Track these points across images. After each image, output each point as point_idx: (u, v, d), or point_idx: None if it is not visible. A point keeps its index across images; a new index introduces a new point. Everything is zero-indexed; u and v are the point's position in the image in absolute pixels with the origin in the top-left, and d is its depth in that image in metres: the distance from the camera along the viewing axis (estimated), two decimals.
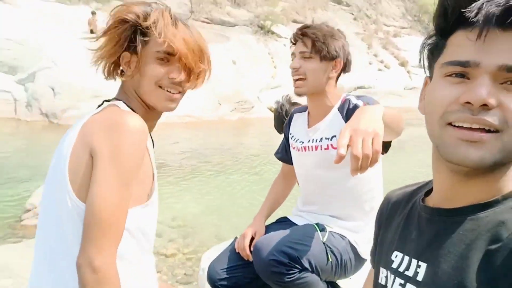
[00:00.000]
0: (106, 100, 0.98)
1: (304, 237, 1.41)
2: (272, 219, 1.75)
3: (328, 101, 1.52)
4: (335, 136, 1.46)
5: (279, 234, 1.42)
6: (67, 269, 0.84)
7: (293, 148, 1.65)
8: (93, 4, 14.20)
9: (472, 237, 0.54)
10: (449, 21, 0.55)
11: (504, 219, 0.52)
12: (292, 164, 1.70)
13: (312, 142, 1.53)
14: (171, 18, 0.95)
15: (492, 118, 0.50)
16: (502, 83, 0.51)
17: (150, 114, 0.99)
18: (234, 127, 11.52)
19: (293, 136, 1.67)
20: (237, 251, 1.58)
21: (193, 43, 0.96)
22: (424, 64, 0.61)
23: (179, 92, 0.99)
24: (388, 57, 20.28)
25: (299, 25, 1.58)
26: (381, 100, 1.35)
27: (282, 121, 2.16)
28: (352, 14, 24.62)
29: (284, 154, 1.77)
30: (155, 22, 0.91)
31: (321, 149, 1.49)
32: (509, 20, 0.49)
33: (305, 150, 1.56)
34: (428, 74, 0.62)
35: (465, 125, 0.51)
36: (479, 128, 0.51)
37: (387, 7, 27.16)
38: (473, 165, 0.52)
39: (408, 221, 0.67)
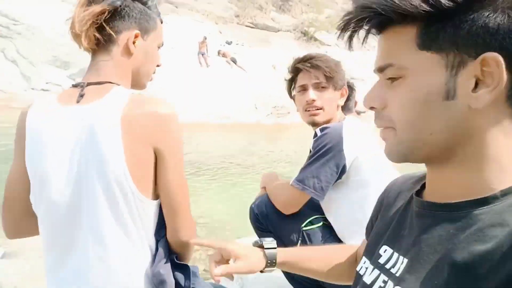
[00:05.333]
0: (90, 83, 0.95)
1: None
2: None
3: None
4: None
5: None
6: (120, 263, 0.85)
7: None
8: None
9: (461, 235, 0.49)
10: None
11: (501, 220, 0.46)
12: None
13: None
14: None
15: (381, 121, 0.58)
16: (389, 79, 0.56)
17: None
18: (269, 131, 11.51)
19: None
20: None
21: None
22: None
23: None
24: None
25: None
26: None
27: None
28: None
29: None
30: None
31: None
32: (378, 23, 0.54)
33: None
34: None
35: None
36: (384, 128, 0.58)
37: None
38: (391, 160, 0.58)
39: (403, 214, 0.63)
